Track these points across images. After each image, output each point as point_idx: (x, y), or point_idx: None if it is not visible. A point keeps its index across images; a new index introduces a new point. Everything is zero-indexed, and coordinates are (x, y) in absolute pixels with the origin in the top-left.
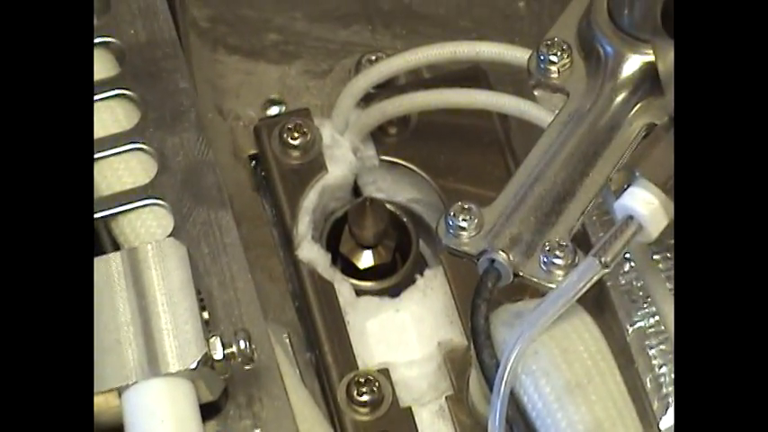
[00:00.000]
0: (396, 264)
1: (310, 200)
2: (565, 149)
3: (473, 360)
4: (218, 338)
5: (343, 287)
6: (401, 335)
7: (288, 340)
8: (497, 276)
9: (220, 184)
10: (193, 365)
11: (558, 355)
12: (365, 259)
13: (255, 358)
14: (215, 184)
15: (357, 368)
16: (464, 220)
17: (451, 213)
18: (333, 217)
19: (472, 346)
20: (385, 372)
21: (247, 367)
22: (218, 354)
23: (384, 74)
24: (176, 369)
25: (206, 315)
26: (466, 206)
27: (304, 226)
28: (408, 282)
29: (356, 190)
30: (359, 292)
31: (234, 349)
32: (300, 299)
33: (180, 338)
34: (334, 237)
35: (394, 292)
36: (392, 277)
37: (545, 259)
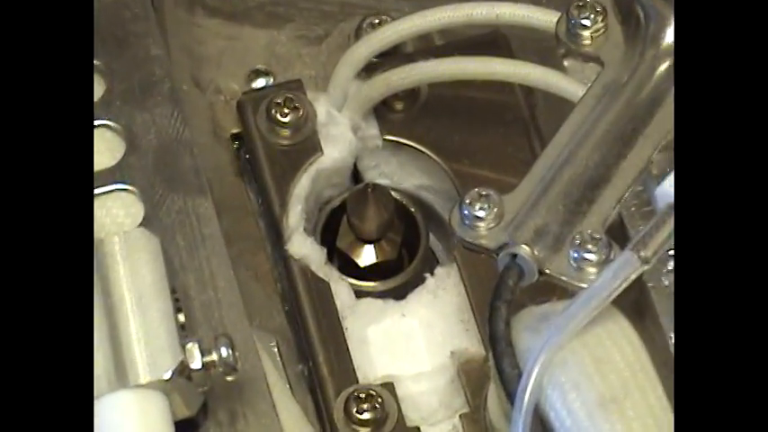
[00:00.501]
0: (402, 261)
1: (302, 186)
2: (599, 127)
3: (492, 372)
4: (196, 345)
5: (341, 288)
6: (408, 343)
7: (276, 349)
8: (520, 274)
9: (198, 168)
10: (167, 376)
11: (591, 364)
12: (366, 255)
13: (239, 368)
14: (192, 167)
15: (357, 382)
16: (481, 208)
17: (467, 201)
18: (329, 206)
19: (491, 356)
20: (389, 386)
21: (230, 378)
22: (195, 362)
23: (389, 40)
24: (147, 380)
25: (182, 318)
26: (484, 193)
27: (295, 216)
28: (416, 282)
29: (356, 175)
30: (359, 294)
31: (214, 357)
32: (291, 301)
33: (152, 345)
34: (331, 229)
35: (400, 293)
36: (398, 276)
37: (575, 254)
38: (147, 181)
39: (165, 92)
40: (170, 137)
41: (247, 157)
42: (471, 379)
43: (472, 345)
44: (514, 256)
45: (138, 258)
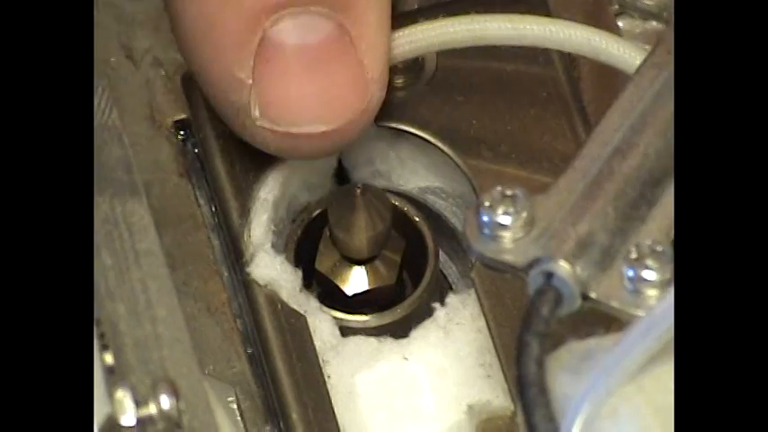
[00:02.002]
0: (403, 287)
1: (270, 188)
2: (662, 107)
3: (522, 429)
4: (129, 393)
5: (322, 323)
6: (411, 395)
7: (235, 405)
8: (557, 299)
9: (130, 161)
10: None
11: (649, 415)
12: (355, 280)
13: (185, 424)
14: (122, 161)
15: None
16: (506, 213)
17: (486, 204)
18: (306, 215)
19: (520, 406)
20: None
21: None
22: (128, 417)
23: None
24: None
25: (109, 359)
26: (508, 193)
27: (260, 229)
28: (422, 314)
29: (341, 173)
30: (346, 331)
31: (152, 410)
32: (255, 342)
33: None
34: (308, 246)
35: (400, 330)
36: (397, 308)
37: (630, 273)
38: None
39: None
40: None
41: (195, 151)
42: None
43: (496, 396)
44: (550, 275)
45: None
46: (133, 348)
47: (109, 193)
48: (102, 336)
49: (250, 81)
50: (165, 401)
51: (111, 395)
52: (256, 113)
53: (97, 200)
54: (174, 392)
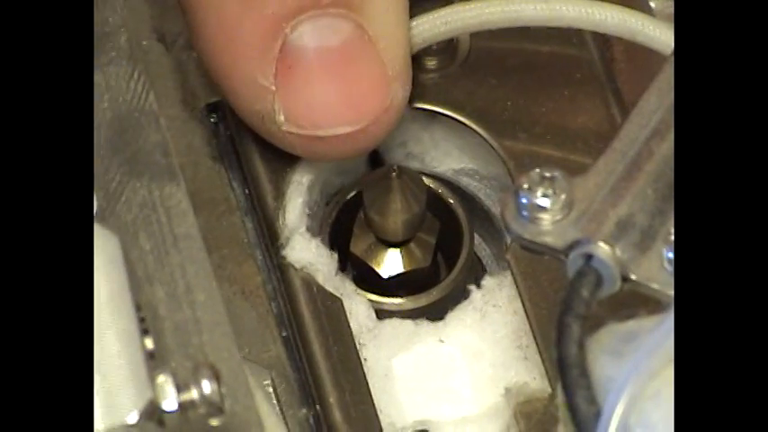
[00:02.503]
0: (437, 270)
1: (303, 172)
2: None
3: (561, 411)
4: (170, 378)
5: (358, 306)
6: (448, 378)
7: (271, 389)
8: (597, 281)
9: (167, 145)
10: (132, 420)
11: None
12: (390, 263)
13: (227, 409)
14: (159, 146)
15: (381, 429)
16: (545, 195)
17: (525, 186)
18: (340, 198)
19: (560, 389)
20: None
21: (214, 423)
22: (169, 401)
23: None
24: (104, 426)
25: (149, 343)
26: (547, 174)
27: (295, 212)
28: (458, 297)
29: (374, 157)
30: (382, 314)
31: (194, 394)
32: (291, 325)
33: (110, 379)
34: (343, 229)
35: (436, 312)
36: (433, 290)
37: (670, 254)
38: (99, 164)
39: (121, 45)
40: (130, 105)
41: (229, 134)
42: (533, 424)
43: (533, 378)
44: (589, 257)
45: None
46: (173, 333)
47: (147, 178)
48: (142, 320)
49: (273, 87)
50: (207, 386)
51: (152, 380)
52: (281, 119)
53: (135, 184)
54: (216, 377)
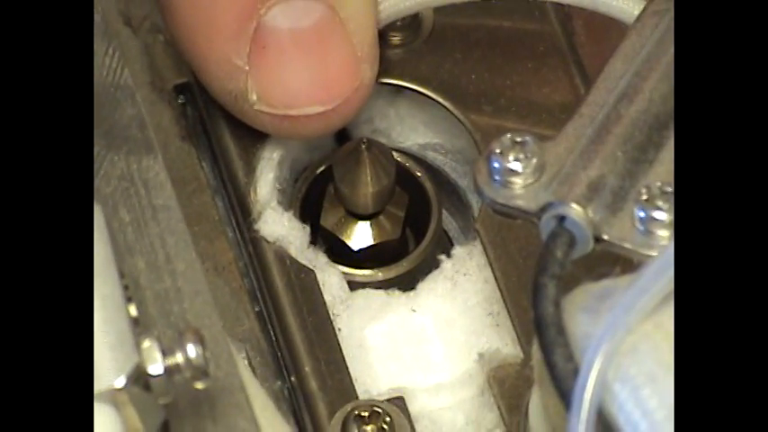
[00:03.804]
0: (407, 242)
1: (273, 148)
2: (665, 51)
3: (536, 372)
4: (156, 343)
5: (331, 277)
6: (421, 346)
7: (246, 362)
8: (570, 242)
9: (144, 119)
10: (119, 384)
11: (668, 351)
12: (361, 235)
13: (211, 372)
14: (136, 120)
15: (356, 398)
16: (516, 159)
17: (497, 151)
18: (309, 173)
19: (536, 348)
20: (399, 402)
21: (199, 385)
22: (155, 366)
23: None
24: (94, 389)
25: (133, 311)
26: (518, 139)
27: (266, 187)
28: (428, 267)
29: (342, 133)
30: (354, 285)
31: (179, 359)
32: (265, 298)
33: (97, 344)
34: (313, 203)
35: (407, 282)
36: (403, 261)
37: (641, 213)
38: None
39: (96, 22)
40: (105, 81)
41: (198, 114)
42: (506, 388)
43: (505, 344)
44: (562, 219)
45: None
46: (154, 302)
47: (124, 151)
48: (126, 288)
49: (247, 67)
50: (192, 350)
51: (138, 345)
52: (254, 98)
53: (113, 158)
54: (201, 341)
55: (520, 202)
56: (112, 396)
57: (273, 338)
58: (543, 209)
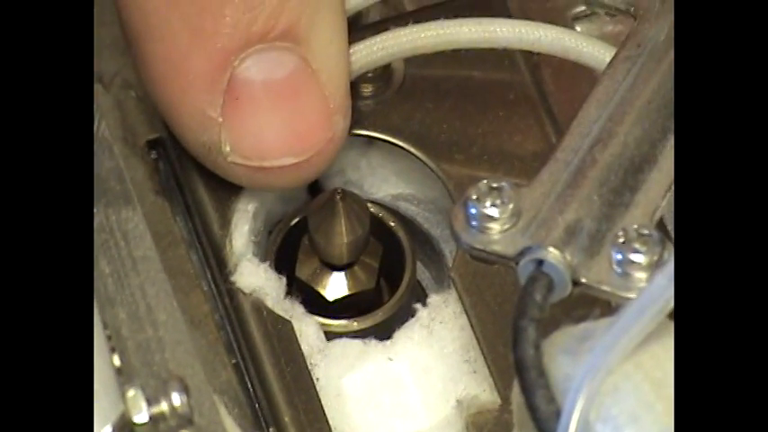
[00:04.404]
0: (381, 291)
1: (247, 200)
2: (637, 96)
3: (515, 417)
4: (140, 391)
5: (308, 328)
6: (398, 394)
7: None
8: (549, 285)
9: (122, 171)
10: None
11: (650, 391)
12: (335, 286)
13: (197, 420)
14: (114, 172)
15: None
16: (493, 205)
17: (473, 197)
18: (284, 225)
19: (515, 392)
20: None
21: None
22: (141, 414)
23: (348, 6)
24: None
25: (116, 360)
26: (494, 185)
27: (241, 239)
28: (404, 316)
29: (314, 185)
30: (330, 335)
31: (164, 407)
32: (242, 349)
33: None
34: (288, 254)
35: (383, 331)
36: (379, 311)
37: (619, 256)
38: None
39: None
40: None
41: (171, 169)
42: None
43: (483, 390)
44: (540, 263)
45: None
46: (136, 352)
47: (103, 203)
48: (109, 338)
49: (220, 119)
50: (177, 398)
51: (122, 394)
52: (227, 150)
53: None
54: (185, 389)
55: (497, 248)
56: None
57: (251, 389)
58: (521, 253)
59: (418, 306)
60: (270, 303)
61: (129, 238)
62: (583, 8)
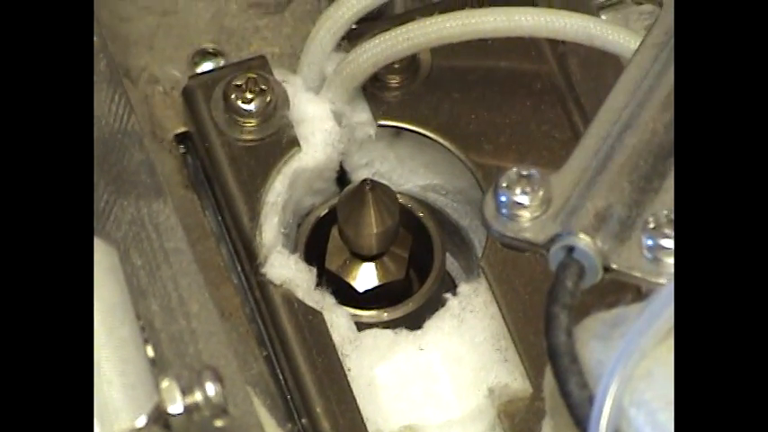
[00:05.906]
0: (410, 283)
1: (277, 192)
2: (665, 82)
3: (548, 405)
4: (175, 382)
5: (339, 319)
6: (430, 383)
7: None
8: (580, 271)
9: (152, 164)
10: (140, 423)
11: None
12: (366, 277)
13: (230, 410)
14: (145, 165)
15: None
16: (523, 193)
17: (503, 185)
18: (313, 216)
19: (547, 379)
20: None
21: (218, 423)
22: (175, 405)
23: None
24: (113, 430)
25: (150, 352)
26: (524, 173)
27: (271, 231)
28: (434, 305)
29: (341, 178)
30: (361, 326)
31: (198, 397)
32: (273, 341)
33: (117, 384)
34: (318, 245)
35: (413, 321)
36: (409, 301)
37: (649, 242)
38: None
39: (101, 69)
40: (113, 127)
41: (200, 162)
42: (516, 423)
43: (514, 379)
44: (571, 249)
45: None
46: (169, 343)
47: (134, 196)
48: (143, 329)
49: None
50: (211, 388)
51: (157, 385)
52: None
53: (123, 203)
54: (219, 379)
55: (528, 235)
56: None
57: (283, 381)
58: (552, 240)
59: (448, 296)
60: (300, 295)
61: (160, 230)
62: None
